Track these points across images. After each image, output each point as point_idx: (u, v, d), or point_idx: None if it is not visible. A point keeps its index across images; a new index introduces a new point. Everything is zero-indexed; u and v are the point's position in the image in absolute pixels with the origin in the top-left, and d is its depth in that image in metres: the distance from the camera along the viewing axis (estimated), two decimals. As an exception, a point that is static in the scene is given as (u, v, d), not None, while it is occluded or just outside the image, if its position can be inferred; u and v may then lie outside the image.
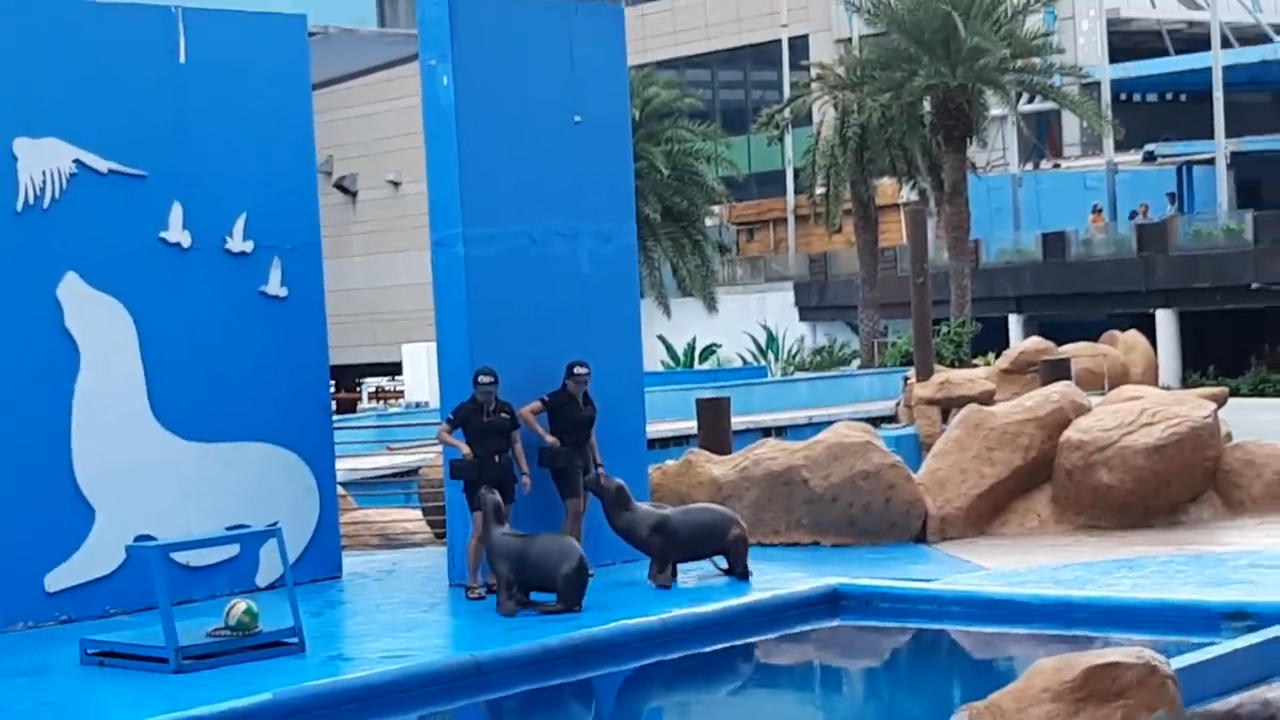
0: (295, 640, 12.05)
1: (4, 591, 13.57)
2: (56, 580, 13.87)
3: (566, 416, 14.65)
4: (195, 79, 14.76)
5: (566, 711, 12.02)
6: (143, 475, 14.27)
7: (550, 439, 14.51)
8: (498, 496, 13.58)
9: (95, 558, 13.98)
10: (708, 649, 12.77)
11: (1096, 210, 48.55)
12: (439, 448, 15.83)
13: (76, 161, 14.10)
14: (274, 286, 15.22)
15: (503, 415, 14.15)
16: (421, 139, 15.22)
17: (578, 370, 14.65)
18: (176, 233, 14.66)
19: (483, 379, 14.09)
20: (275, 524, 13.02)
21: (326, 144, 53.61)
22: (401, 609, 13.88)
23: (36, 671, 11.98)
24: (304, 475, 15.32)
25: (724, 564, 14.46)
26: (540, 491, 14.38)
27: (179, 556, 13.85)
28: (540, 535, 13.54)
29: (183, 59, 14.70)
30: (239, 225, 15.00)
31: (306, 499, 15.31)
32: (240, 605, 11.97)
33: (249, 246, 15.06)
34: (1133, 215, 47.92)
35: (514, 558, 13.26)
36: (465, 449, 13.97)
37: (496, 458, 14.05)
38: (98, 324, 14.19)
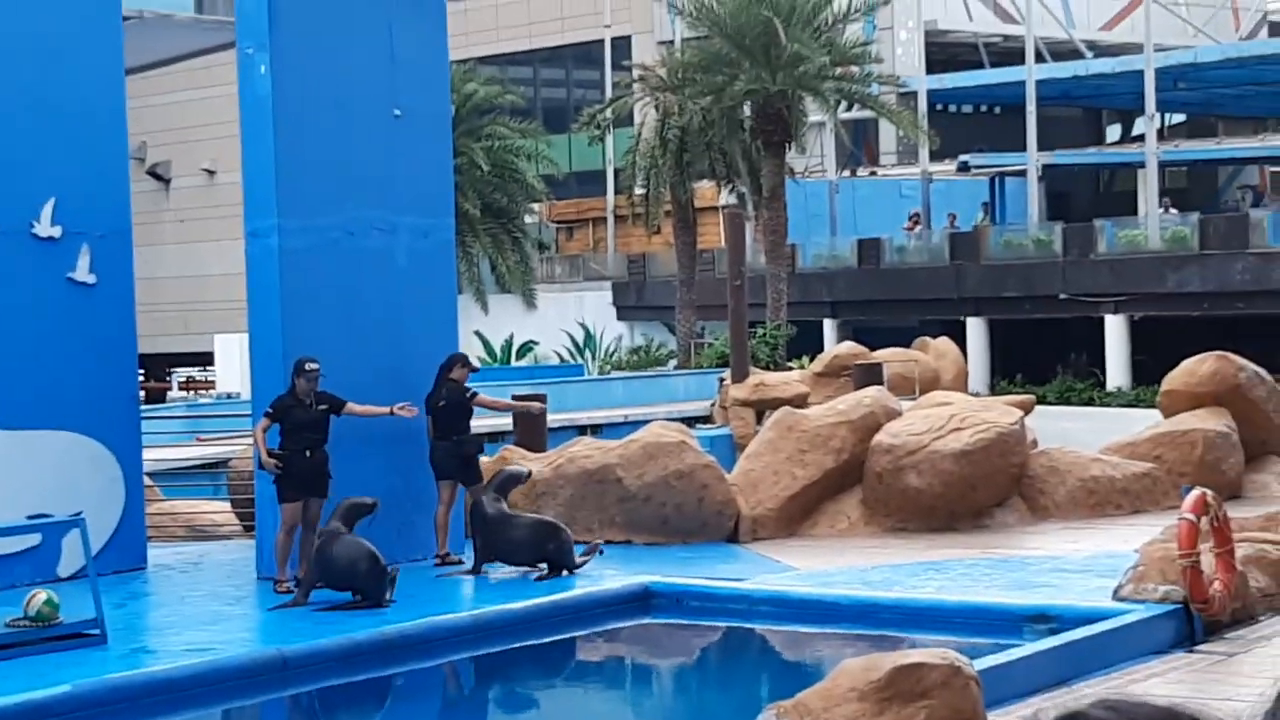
0: (97, 632, 11.82)
1: None
2: None
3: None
4: (4, 59, 14.42)
5: (373, 707, 11.92)
6: (-59, 462, 13.92)
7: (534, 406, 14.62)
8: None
9: (-110, 546, 13.60)
10: (518, 645, 12.73)
11: (912, 217, 49.22)
12: (249, 440, 15.63)
13: (-122, 139, 13.71)
14: (82, 273, 14.93)
15: (320, 408, 13.94)
16: (237, 128, 15.02)
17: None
18: (-18, 215, 14.31)
19: (311, 366, 13.86)
20: (78, 514, 12.77)
21: (140, 130, 52.63)
22: (207, 601, 13.68)
23: None
24: (109, 465, 15.05)
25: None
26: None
27: (-22, 546, 13.53)
28: (343, 536, 13.29)
29: (-8, 37, 14.36)
30: (47, 210, 14.68)
31: (111, 489, 15.04)
32: (41, 595, 11.73)
33: (57, 232, 14.76)
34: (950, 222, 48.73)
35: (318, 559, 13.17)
36: (268, 461, 13.75)
37: (309, 453, 13.86)
38: (-103, 306, 13.81)
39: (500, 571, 14.48)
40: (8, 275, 14.43)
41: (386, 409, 14.28)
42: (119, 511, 15.08)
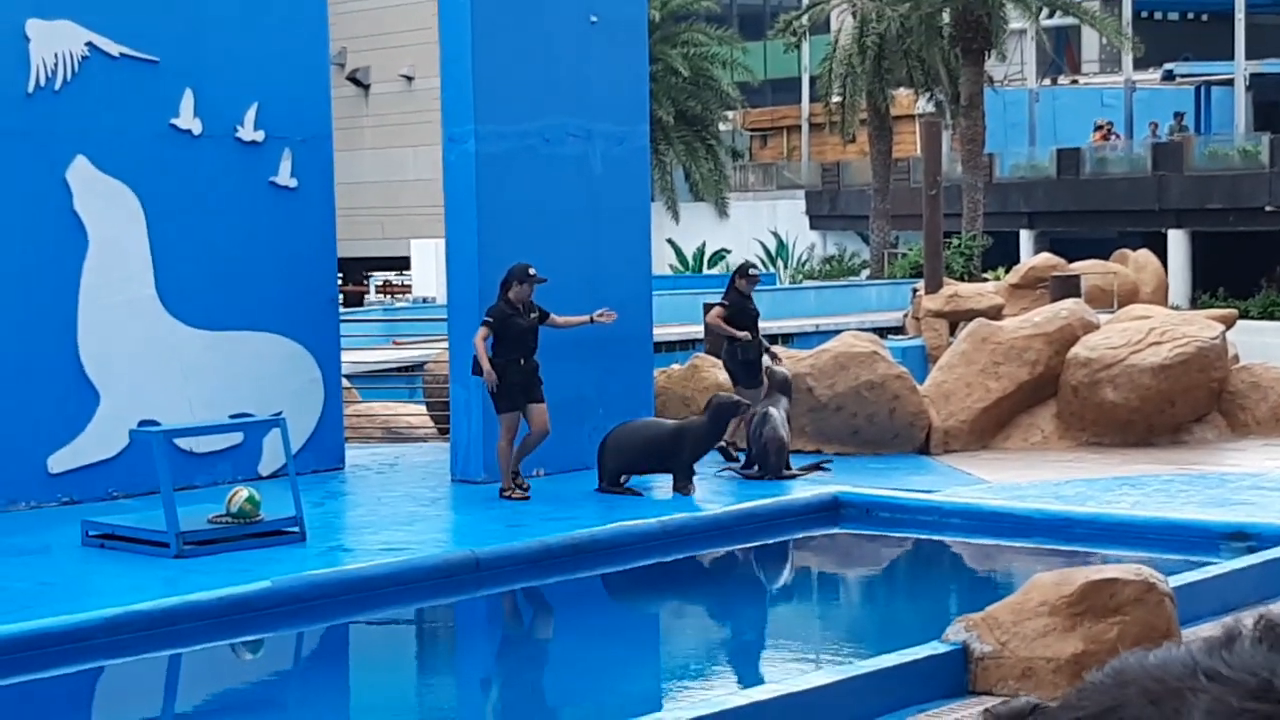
0: (296, 530, 12.09)
1: (7, 471, 13.61)
2: (59, 462, 13.91)
3: (747, 313, 15.65)
4: (209, -35, 14.65)
5: (564, 610, 12.06)
6: (148, 361, 14.29)
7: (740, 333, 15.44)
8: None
9: (99, 441, 14.02)
10: (706, 552, 12.81)
11: (1099, 127, 48.24)
12: (444, 344, 15.81)
13: (89, 44, 14.02)
14: (284, 177, 15.18)
15: (532, 316, 13.82)
16: (436, 34, 15.12)
17: (752, 272, 16.06)
18: (187, 120, 14.60)
19: (534, 272, 13.71)
20: (279, 414, 13.03)
21: (340, 36, 53.13)
22: (403, 502, 13.92)
23: (37, 551, 12.03)
24: (309, 366, 15.34)
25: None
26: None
27: (182, 443, 13.90)
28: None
29: (198, -55, 14.58)
30: (250, 115, 14.93)
31: (311, 390, 15.33)
32: (242, 493, 12.00)
33: (260, 136, 15.00)
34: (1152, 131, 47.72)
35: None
36: (490, 374, 13.53)
37: (522, 360, 13.72)
38: (106, 208, 14.15)
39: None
40: (212, 179, 14.72)
41: (586, 317, 14.30)
42: (318, 412, 15.38)
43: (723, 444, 15.20)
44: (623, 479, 14.14)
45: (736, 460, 15.31)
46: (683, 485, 14.03)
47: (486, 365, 13.56)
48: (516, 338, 13.70)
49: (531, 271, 13.73)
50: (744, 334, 15.55)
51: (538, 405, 13.79)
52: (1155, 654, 1.69)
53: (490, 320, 13.67)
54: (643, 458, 14.13)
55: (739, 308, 15.74)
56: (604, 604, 12.29)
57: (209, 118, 14.69)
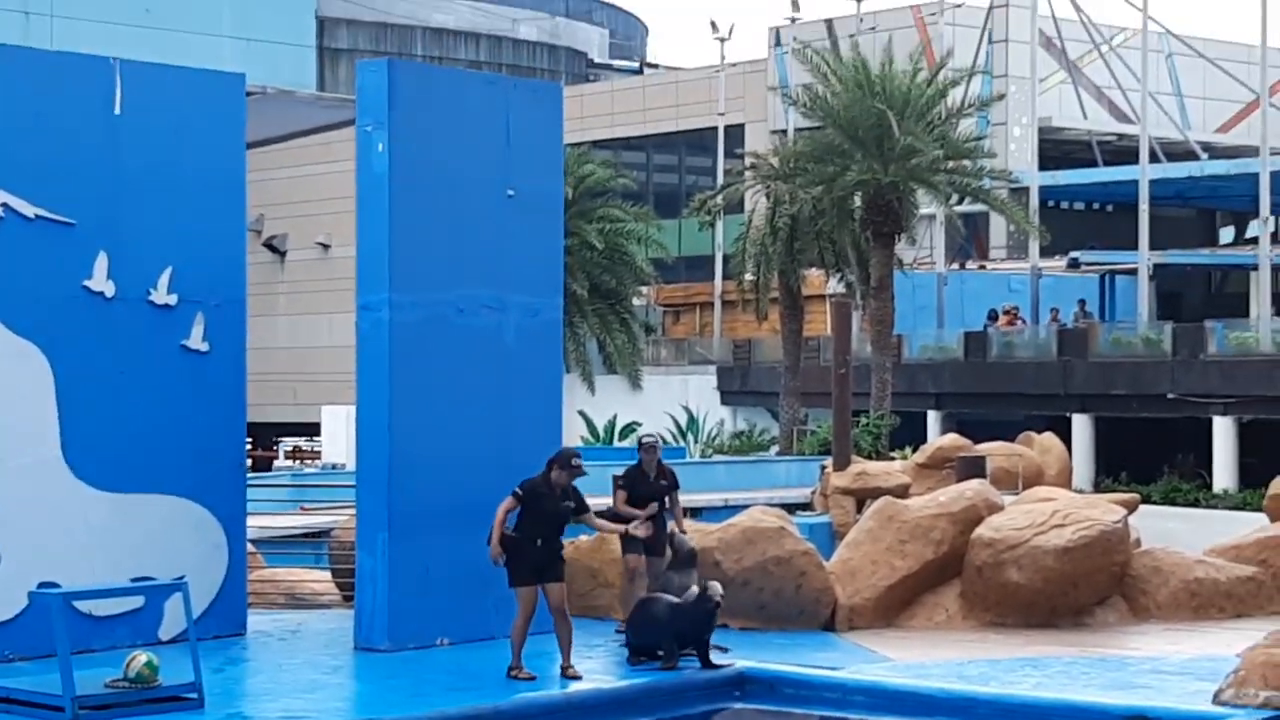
0: (195, 696, 11.94)
1: (-98, 632, 13.38)
2: (-44, 623, 13.69)
3: (643, 487, 15.27)
4: (130, 130, 14.73)
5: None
6: (50, 521, 14.15)
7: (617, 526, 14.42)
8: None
9: (-3, 602, 13.81)
10: (609, 726, 12.74)
11: (1006, 312, 48.96)
12: (352, 510, 15.76)
13: (4, 205, 14.03)
14: (196, 341, 15.17)
15: (567, 504, 13.30)
16: (353, 203, 15.24)
17: (645, 441, 15.50)
18: (101, 282, 14.60)
19: (576, 462, 13.29)
20: (181, 578, 12.91)
21: (258, 202, 53.38)
22: (304, 669, 13.78)
23: (-70, 715, 11.82)
24: (214, 530, 15.23)
25: None
26: None
27: (82, 605, 13.72)
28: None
29: (118, 110, 14.69)
30: (164, 278, 14.95)
31: (215, 554, 15.21)
32: (141, 658, 11.86)
33: (173, 299, 15.02)
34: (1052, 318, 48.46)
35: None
36: (496, 549, 13.10)
37: (540, 541, 13.20)
38: (14, 369, 14.08)
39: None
40: (124, 341, 14.69)
41: (623, 528, 14.06)
42: (221, 577, 15.25)
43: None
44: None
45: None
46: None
47: (496, 535, 13.12)
48: (541, 517, 13.26)
49: (575, 462, 13.35)
50: (620, 527, 14.59)
51: (555, 585, 13.33)
52: None
53: (519, 493, 13.27)
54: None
55: (633, 482, 15.43)
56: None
57: (123, 280, 14.69)
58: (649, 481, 15.38)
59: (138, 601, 14.31)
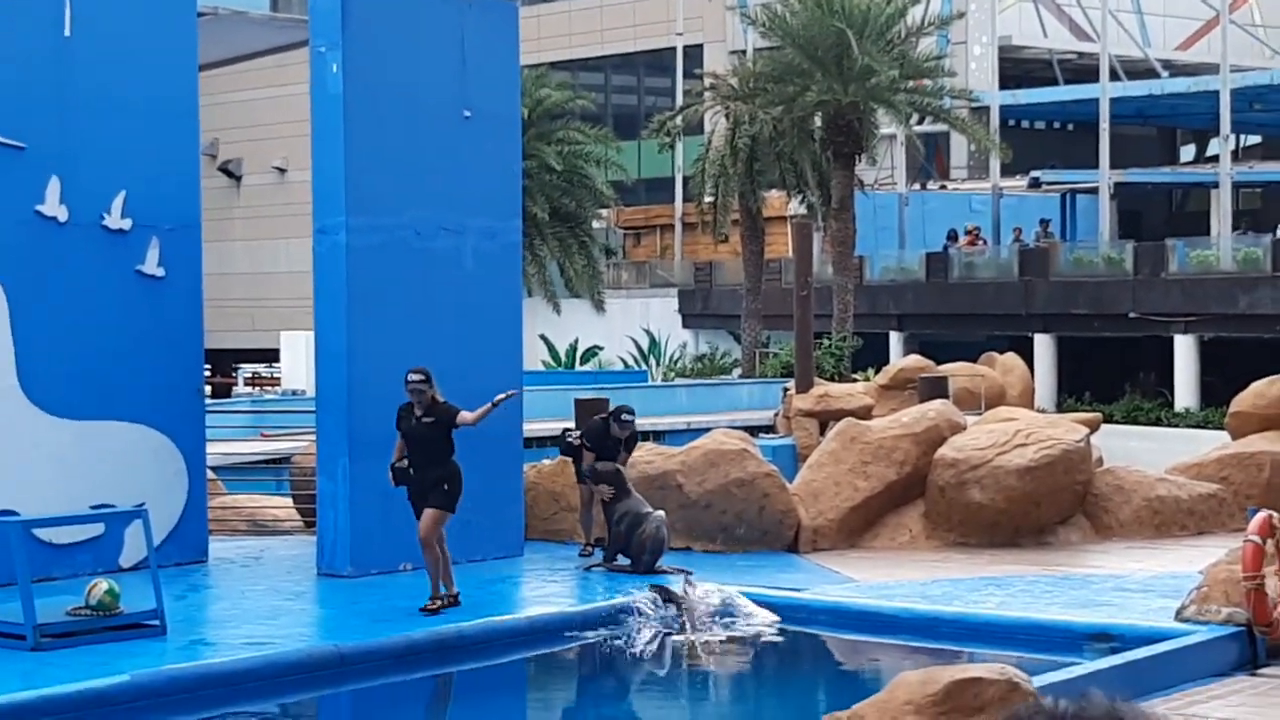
0: (156, 623, 11.88)
1: None
2: (-87, 554, 13.57)
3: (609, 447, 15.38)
4: (80, 53, 14.54)
5: (428, 705, 11.93)
6: (8, 450, 14.03)
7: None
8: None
9: (-45, 532, 13.70)
10: (574, 646, 12.72)
11: (969, 231, 48.92)
12: (313, 436, 15.67)
13: (-46, 129, 13.83)
14: (151, 266, 15.02)
15: (426, 420, 13.02)
16: (309, 127, 15.07)
17: (625, 418, 15.43)
18: (53, 207, 14.43)
19: (410, 376, 13.05)
20: (141, 505, 12.83)
21: (212, 127, 53.01)
22: (267, 596, 13.72)
23: (-112, 645, 11.71)
24: (174, 457, 15.13)
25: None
26: None
27: (41, 533, 13.63)
28: None
29: (68, 33, 14.48)
30: (118, 202, 14.78)
31: (175, 481, 15.12)
32: (101, 585, 11.79)
33: (127, 224, 14.85)
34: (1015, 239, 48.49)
35: None
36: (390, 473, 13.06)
37: (412, 468, 13.03)
38: (-32, 295, 13.92)
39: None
40: (78, 266, 14.54)
41: (489, 405, 13.68)
42: (181, 504, 15.16)
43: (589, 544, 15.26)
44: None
45: (591, 553, 15.31)
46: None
47: (392, 461, 13.12)
48: (406, 441, 13.16)
49: (408, 376, 13.11)
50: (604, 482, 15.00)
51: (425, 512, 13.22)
52: None
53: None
54: None
55: (600, 441, 15.46)
56: (470, 700, 12.16)
57: (75, 205, 14.52)
58: (615, 443, 15.45)
59: (98, 529, 14.24)
